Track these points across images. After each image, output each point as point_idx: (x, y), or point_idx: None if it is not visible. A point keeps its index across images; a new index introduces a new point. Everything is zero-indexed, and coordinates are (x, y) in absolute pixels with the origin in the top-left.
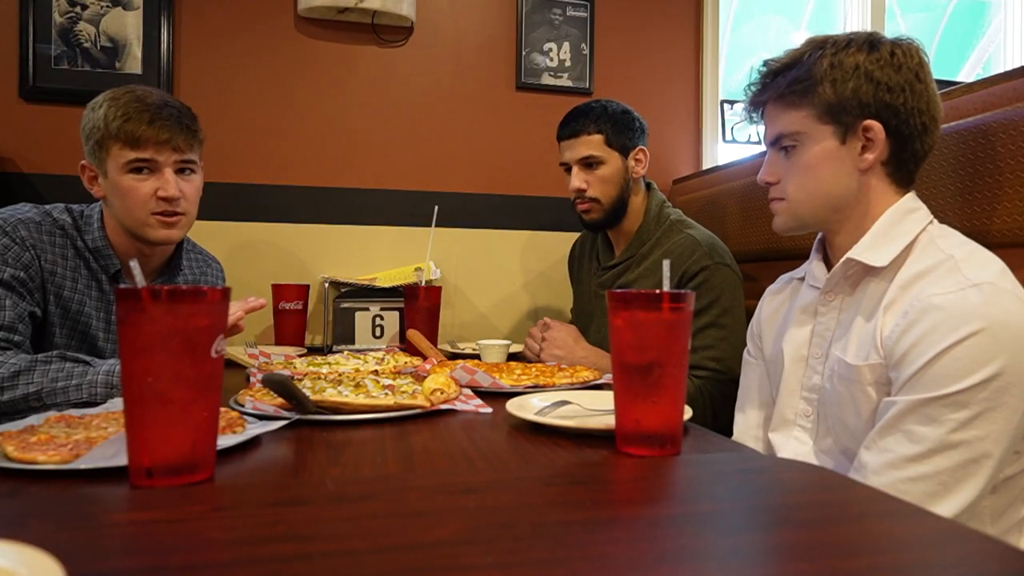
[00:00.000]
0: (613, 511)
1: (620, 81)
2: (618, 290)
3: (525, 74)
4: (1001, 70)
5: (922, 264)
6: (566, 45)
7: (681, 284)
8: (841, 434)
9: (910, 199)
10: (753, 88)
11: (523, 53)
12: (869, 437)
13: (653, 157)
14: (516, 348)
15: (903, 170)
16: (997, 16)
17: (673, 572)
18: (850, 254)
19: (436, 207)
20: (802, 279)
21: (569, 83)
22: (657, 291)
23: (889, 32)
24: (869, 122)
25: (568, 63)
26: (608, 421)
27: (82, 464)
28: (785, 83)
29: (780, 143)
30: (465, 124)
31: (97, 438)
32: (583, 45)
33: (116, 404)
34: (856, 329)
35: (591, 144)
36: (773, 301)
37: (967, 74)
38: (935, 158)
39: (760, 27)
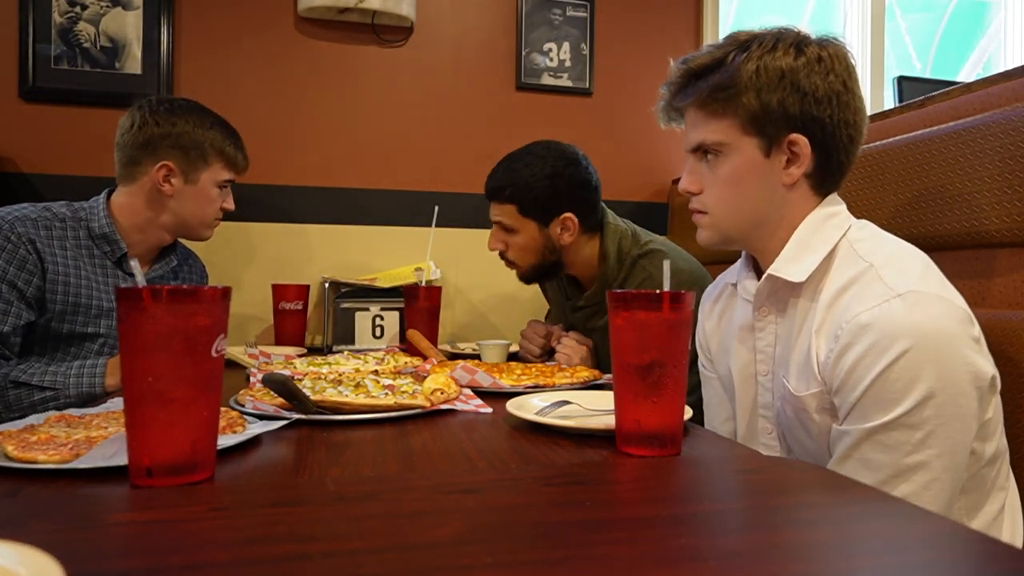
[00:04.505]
0: (613, 511)
1: (620, 81)
2: (618, 290)
3: (525, 74)
4: (1001, 70)
5: (844, 277)
6: (566, 45)
7: None
8: (801, 454)
9: (828, 203)
10: (672, 89)
11: (523, 53)
12: (829, 469)
13: (653, 157)
14: (516, 348)
15: (827, 182)
16: (997, 16)
17: (673, 572)
18: (770, 270)
19: (436, 207)
20: (735, 284)
21: (569, 83)
22: (657, 291)
23: (890, 32)
24: (795, 136)
25: (568, 63)
26: (608, 421)
27: (82, 464)
28: (707, 89)
29: (703, 151)
30: (465, 124)
31: (97, 437)
32: (583, 45)
33: (116, 404)
34: (794, 353)
35: (504, 212)
36: (713, 310)
37: (967, 74)
38: (935, 158)
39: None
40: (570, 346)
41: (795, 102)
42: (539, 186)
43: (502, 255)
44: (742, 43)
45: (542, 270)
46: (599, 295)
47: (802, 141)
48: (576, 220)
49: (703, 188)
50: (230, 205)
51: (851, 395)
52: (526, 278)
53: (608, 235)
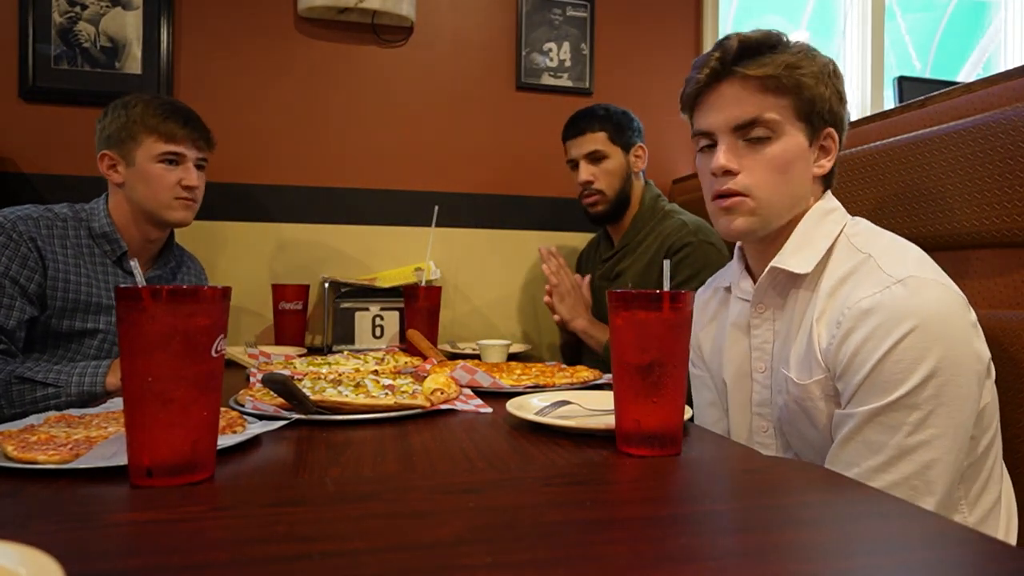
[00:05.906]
0: (613, 511)
1: (620, 81)
2: (618, 290)
3: (525, 74)
4: (1001, 70)
5: (843, 268)
6: (566, 45)
7: (664, 258)
8: (802, 448)
9: (827, 199)
10: (727, 55)
11: (523, 53)
12: (832, 452)
13: (653, 157)
14: (516, 348)
15: (832, 178)
16: (997, 16)
17: (673, 572)
18: (774, 263)
19: (436, 207)
20: (728, 288)
21: (569, 83)
22: (657, 291)
23: (890, 32)
24: (830, 130)
25: (568, 63)
26: (608, 421)
27: (82, 464)
28: (773, 64)
29: (751, 130)
30: (465, 124)
31: (97, 437)
32: (583, 45)
33: (116, 404)
34: (794, 344)
35: (596, 140)
36: (705, 312)
37: (967, 74)
38: (935, 158)
39: (760, 27)
40: (551, 270)
41: (837, 100)
42: (622, 119)
43: (588, 187)
44: (788, 41)
45: (620, 199)
46: (630, 235)
47: (834, 136)
48: (645, 149)
49: (742, 169)
50: (191, 180)
51: (855, 377)
52: (608, 208)
53: (649, 188)
